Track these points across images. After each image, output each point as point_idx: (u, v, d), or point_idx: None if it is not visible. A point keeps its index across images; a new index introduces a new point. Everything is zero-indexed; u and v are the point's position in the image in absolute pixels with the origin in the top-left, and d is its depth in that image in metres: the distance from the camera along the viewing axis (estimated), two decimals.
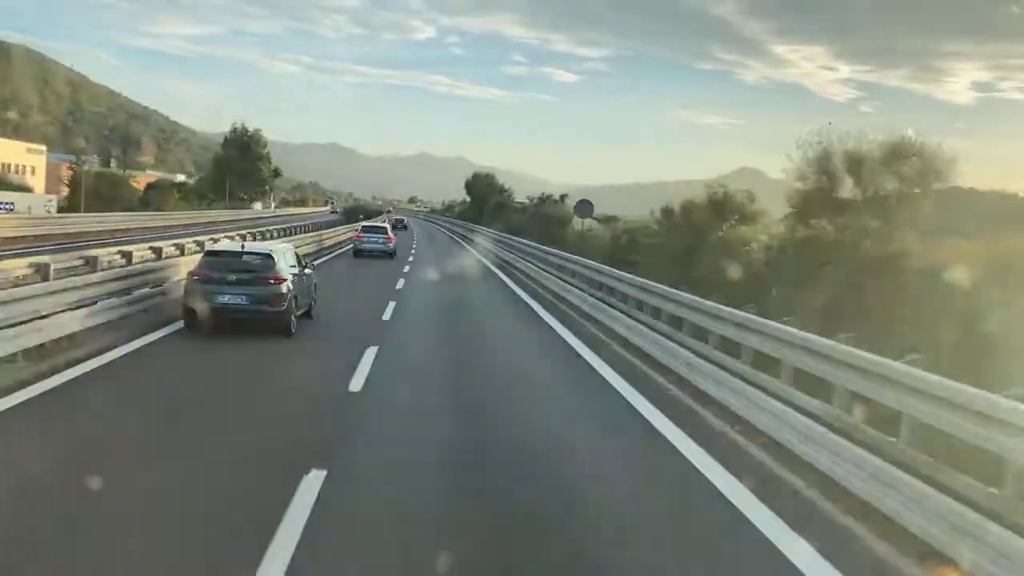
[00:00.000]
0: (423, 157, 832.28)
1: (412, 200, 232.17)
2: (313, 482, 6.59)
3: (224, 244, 18.41)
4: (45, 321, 11.45)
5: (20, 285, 14.58)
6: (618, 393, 11.28)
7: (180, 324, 13.94)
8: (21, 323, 11.02)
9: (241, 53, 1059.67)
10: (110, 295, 14.24)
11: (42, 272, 17.03)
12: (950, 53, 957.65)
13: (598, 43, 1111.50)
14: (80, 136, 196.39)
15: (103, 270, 18.25)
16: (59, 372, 10.20)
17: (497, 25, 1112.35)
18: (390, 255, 37.16)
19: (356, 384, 10.68)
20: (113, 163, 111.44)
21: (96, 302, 13.32)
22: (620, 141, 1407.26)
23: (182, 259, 20.89)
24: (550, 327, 17.81)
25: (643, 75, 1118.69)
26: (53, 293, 13.08)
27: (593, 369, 13.02)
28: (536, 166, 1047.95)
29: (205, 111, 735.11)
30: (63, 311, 12.35)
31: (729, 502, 6.91)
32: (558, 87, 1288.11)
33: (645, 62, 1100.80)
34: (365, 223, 47.00)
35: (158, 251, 24.54)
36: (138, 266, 19.29)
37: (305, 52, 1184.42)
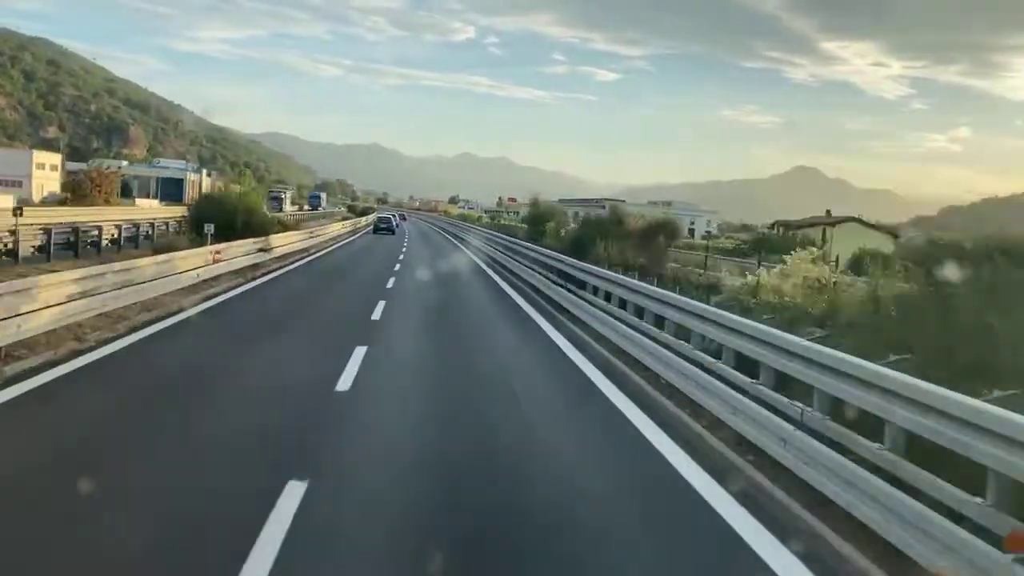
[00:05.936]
0: (466, 158, 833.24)
1: (453, 200, 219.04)
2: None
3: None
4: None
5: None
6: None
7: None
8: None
9: (282, 56, 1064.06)
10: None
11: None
12: (1010, 47, 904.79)
13: (639, 42, 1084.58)
14: (52, 123, 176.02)
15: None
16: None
17: (536, 25, 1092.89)
18: None
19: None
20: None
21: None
22: (664, 140, 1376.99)
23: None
24: None
25: (686, 74, 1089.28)
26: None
27: None
28: (579, 166, 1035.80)
29: (242, 112, 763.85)
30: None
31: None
32: (599, 86, 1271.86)
33: (688, 60, 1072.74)
34: None
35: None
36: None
37: (346, 54, 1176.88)
